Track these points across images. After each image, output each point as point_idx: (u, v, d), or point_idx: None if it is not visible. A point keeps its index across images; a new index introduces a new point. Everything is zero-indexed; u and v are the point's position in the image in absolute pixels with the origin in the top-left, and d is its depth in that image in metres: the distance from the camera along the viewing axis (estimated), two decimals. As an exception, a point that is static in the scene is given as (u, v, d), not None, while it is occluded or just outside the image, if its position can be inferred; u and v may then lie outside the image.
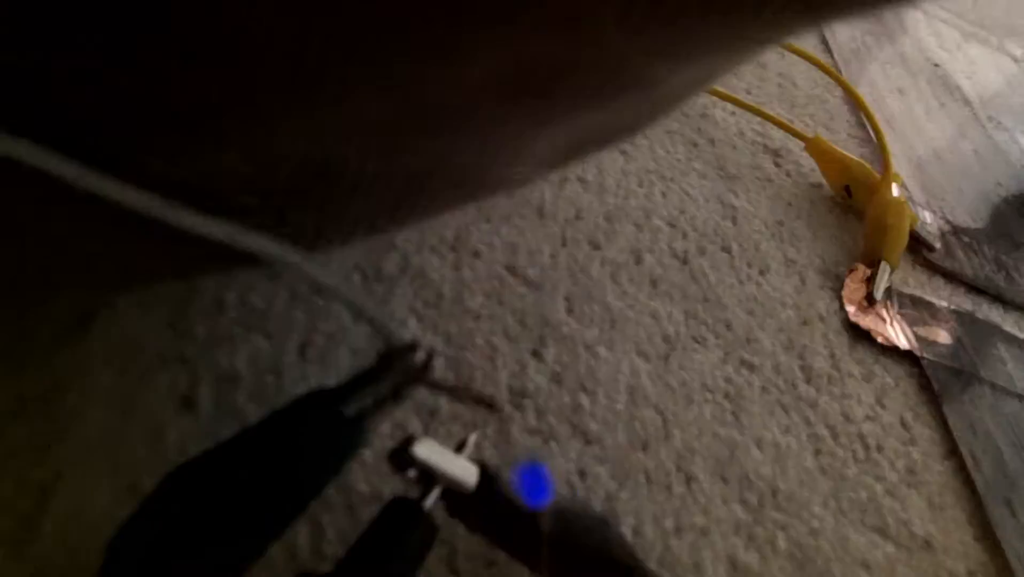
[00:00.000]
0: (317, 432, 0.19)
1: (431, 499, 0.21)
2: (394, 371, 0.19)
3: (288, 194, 0.17)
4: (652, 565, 0.26)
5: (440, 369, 0.27)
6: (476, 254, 0.33)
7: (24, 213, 0.16)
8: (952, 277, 0.44)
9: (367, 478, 0.24)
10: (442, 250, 0.32)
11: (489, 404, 0.21)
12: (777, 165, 0.47)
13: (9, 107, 0.13)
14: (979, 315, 0.43)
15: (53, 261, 0.17)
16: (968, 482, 0.34)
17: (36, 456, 0.22)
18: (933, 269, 0.44)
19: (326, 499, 0.24)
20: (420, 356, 0.20)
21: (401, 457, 0.21)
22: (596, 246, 0.36)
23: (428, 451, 0.21)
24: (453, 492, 0.21)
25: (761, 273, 0.39)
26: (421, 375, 0.19)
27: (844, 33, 0.65)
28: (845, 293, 0.40)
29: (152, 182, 0.16)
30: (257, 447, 0.19)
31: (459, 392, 0.26)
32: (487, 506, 0.22)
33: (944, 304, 0.42)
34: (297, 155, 0.16)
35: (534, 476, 0.19)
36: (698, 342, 0.34)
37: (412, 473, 0.21)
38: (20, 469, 0.21)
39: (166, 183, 0.16)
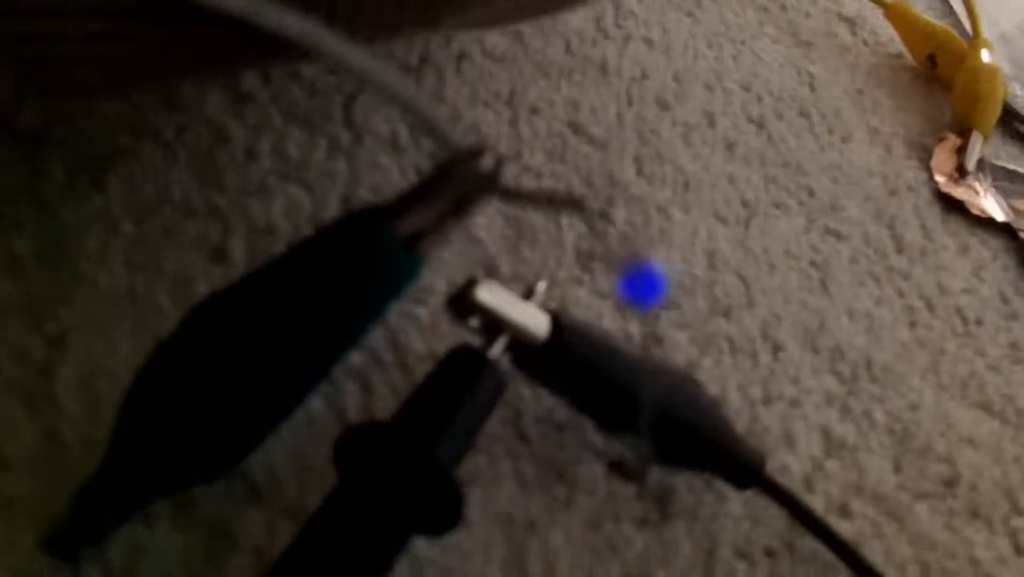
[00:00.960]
0: (362, 255, 0.16)
1: (497, 349, 0.18)
2: (456, 182, 0.16)
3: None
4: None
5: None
6: (534, 111, 0.29)
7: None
8: (1048, 151, 0.41)
9: (422, 335, 0.22)
10: (497, 106, 0.29)
11: (577, 205, 0.18)
12: (853, 34, 0.43)
13: None
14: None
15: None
16: (1077, 360, 0.30)
17: (51, 307, 0.19)
18: (1027, 142, 0.41)
19: (376, 356, 0.21)
20: (487, 162, 0.16)
21: (462, 302, 0.18)
22: (665, 107, 0.32)
23: (493, 296, 0.18)
24: (520, 343, 0.19)
25: (843, 141, 0.35)
26: (490, 183, 0.16)
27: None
28: (934, 163, 0.36)
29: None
30: (292, 274, 0.16)
31: (538, 197, 0.22)
32: (560, 359, 0.19)
33: (1041, 178, 0.38)
34: None
35: (644, 275, 0.16)
36: (779, 208, 0.30)
37: (475, 322, 0.18)
38: (34, 319, 0.19)
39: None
